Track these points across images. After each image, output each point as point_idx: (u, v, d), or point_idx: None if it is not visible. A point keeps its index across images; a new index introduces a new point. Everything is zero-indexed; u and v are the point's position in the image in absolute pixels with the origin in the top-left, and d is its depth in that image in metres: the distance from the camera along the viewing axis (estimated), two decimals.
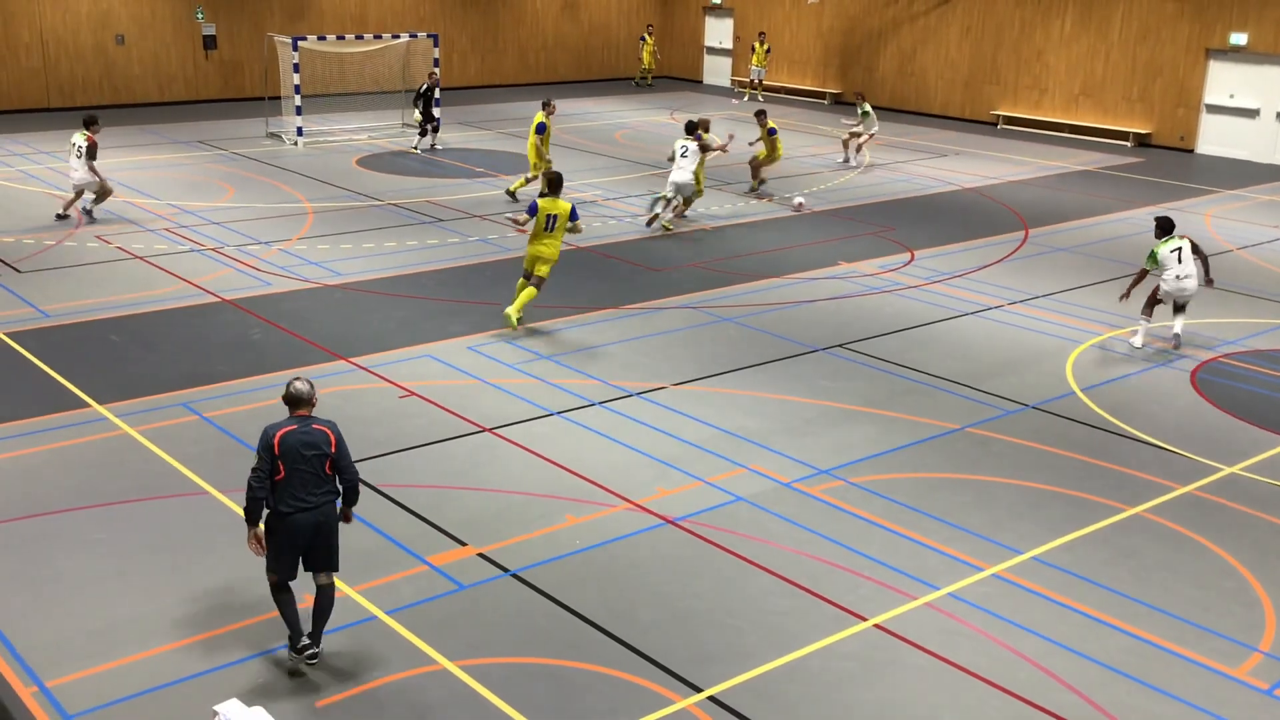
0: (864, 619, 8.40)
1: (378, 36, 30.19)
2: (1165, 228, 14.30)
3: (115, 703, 7.28)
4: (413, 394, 12.27)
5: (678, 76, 40.21)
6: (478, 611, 8.41)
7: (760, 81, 35.32)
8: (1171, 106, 28.59)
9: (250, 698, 7.30)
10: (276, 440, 7.44)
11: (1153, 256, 14.12)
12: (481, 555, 9.14)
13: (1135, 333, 14.42)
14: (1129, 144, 28.94)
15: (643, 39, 38.35)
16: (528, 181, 20.83)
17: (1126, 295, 14.54)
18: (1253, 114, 27.50)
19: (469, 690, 7.51)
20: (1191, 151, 28.26)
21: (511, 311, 14.14)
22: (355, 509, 8.14)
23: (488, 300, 15.36)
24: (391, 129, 28.22)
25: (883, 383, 13.00)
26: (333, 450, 7.51)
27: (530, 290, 14.32)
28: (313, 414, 7.70)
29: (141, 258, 16.97)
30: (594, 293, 15.91)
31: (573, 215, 14.51)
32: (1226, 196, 23.26)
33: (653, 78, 38.46)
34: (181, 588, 8.57)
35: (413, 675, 7.64)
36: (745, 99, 35.22)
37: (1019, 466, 10.98)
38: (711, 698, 7.50)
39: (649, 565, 9.09)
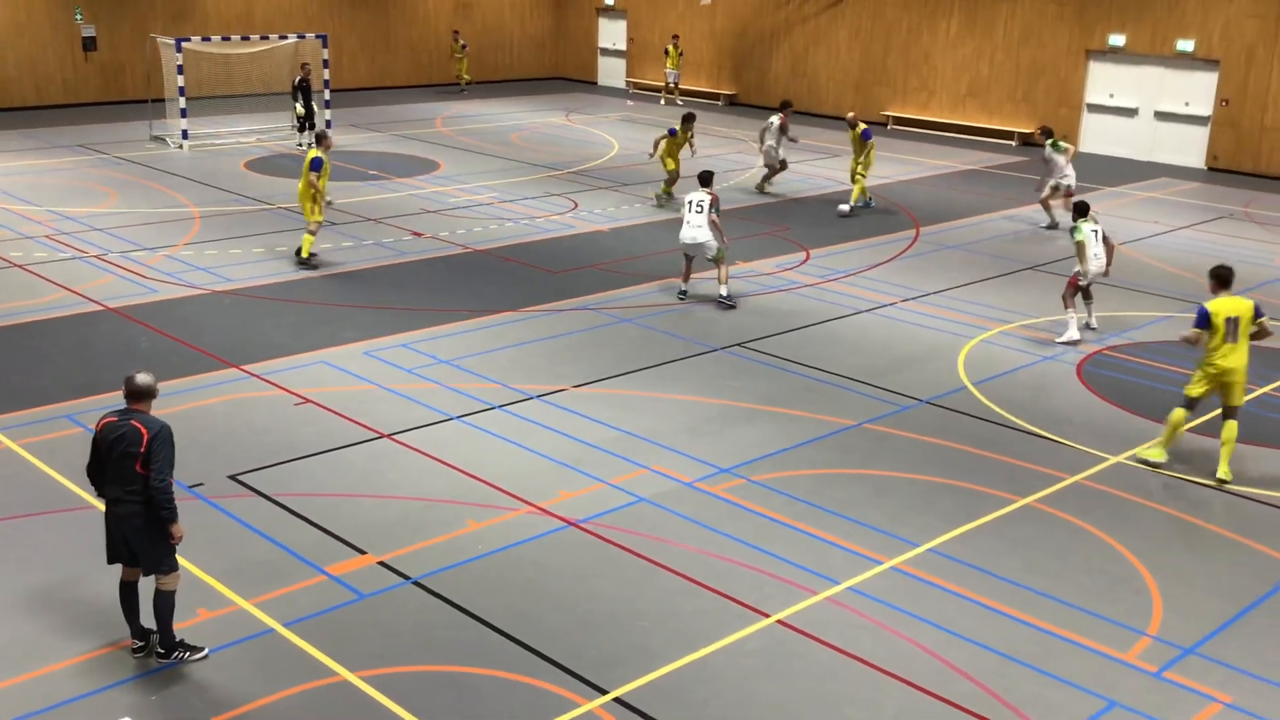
0: (767, 616, 8.45)
1: (264, 37, 29.62)
2: (1082, 210, 14.61)
3: None
4: (308, 401, 12.04)
5: (572, 78, 40.16)
6: (378, 621, 8.28)
7: (676, 84, 35.37)
8: (1054, 106, 29.37)
9: (143, 715, 7.09)
10: (97, 428, 7.47)
11: (1079, 230, 14.35)
12: (381, 563, 9.00)
13: (1066, 329, 14.58)
14: (1014, 143, 29.65)
15: (463, 45, 36.21)
16: (311, 232, 16.79)
17: (1069, 304, 14.56)
18: (1132, 113, 28.39)
19: (371, 701, 7.38)
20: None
21: (1157, 452, 11.30)
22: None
23: (382, 304, 15.15)
24: (280, 131, 27.70)
25: (781, 381, 13.12)
26: (142, 450, 7.30)
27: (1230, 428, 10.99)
28: (149, 412, 7.52)
29: (21, 265, 16.40)
30: (492, 296, 15.80)
31: (1256, 314, 10.99)
32: (1108, 194, 23.96)
33: (468, 84, 36.38)
34: (69, 605, 8.29)
35: (313, 688, 7.49)
36: (663, 102, 35.25)
37: (915, 461, 11.16)
38: (617, 699, 7.48)
39: (552, 569, 9.04)
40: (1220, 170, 26.99)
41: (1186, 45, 27.11)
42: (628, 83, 38.45)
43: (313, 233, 16.78)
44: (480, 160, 25.36)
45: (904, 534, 9.71)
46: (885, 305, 15.98)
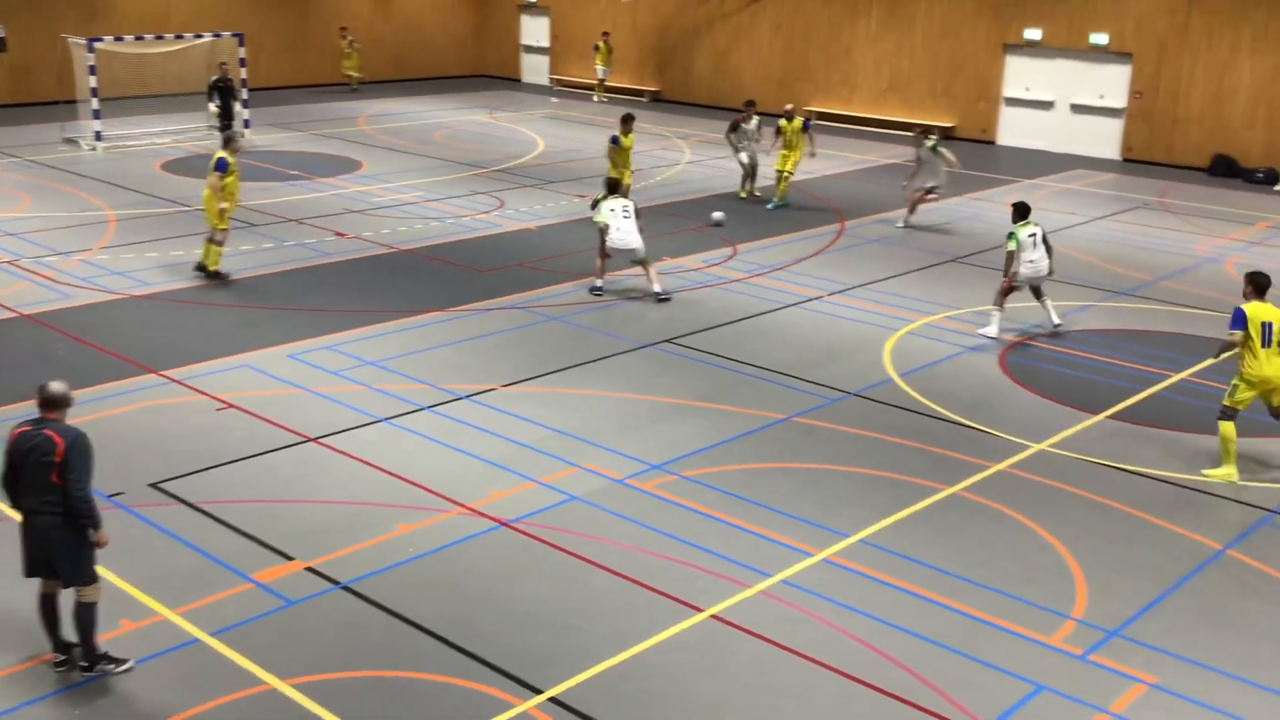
0: (701, 610, 8.47)
1: (179, 37, 29.06)
2: (1022, 212, 14.60)
3: None
4: (231, 406, 11.84)
5: (495, 75, 39.95)
6: (307, 627, 8.16)
7: (603, 82, 35.25)
8: (973, 100, 29.81)
9: None
10: (10, 438, 7.32)
11: (1013, 238, 14.32)
12: (310, 569, 8.87)
13: (989, 324, 14.65)
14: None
15: (351, 42, 35.13)
16: (216, 242, 15.76)
17: (999, 305, 14.60)
18: (1048, 106, 28.90)
19: (301, 709, 7.27)
20: (993, 143, 29.51)
21: (1228, 471, 11.00)
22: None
23: (306, 306, 14.94)
24: (197, 132, 27.20)
25: (710, 376, 13.16)
26: (57, 459, 7.14)
27: None
28: (63, 420, 7.35)
29: None
30: (419, 296, 15.65)
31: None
32: (1026, 186, 24.37)
33: (359, 84, 35.26)
34: None
35: (241, 697, 7.36)
36: (596, 100, 35.12)
37: (844, 453, 11.26)
38: (553, 699, 7.44)
39: (484, 569, 8.98)
40: (1135, 161, 27.57)
41: (1100, 39, 27.65)
42: (552, 80, 38.34)
43: (218, 242, 15.70)
44: (404, 159, 25.12)
45: (835, 525, 9.79)
46: (811, 299, 16.09)
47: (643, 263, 15.87)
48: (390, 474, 10.46)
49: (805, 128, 21.36)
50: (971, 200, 22.48)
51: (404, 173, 23.65)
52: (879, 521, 9.88)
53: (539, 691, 7.51)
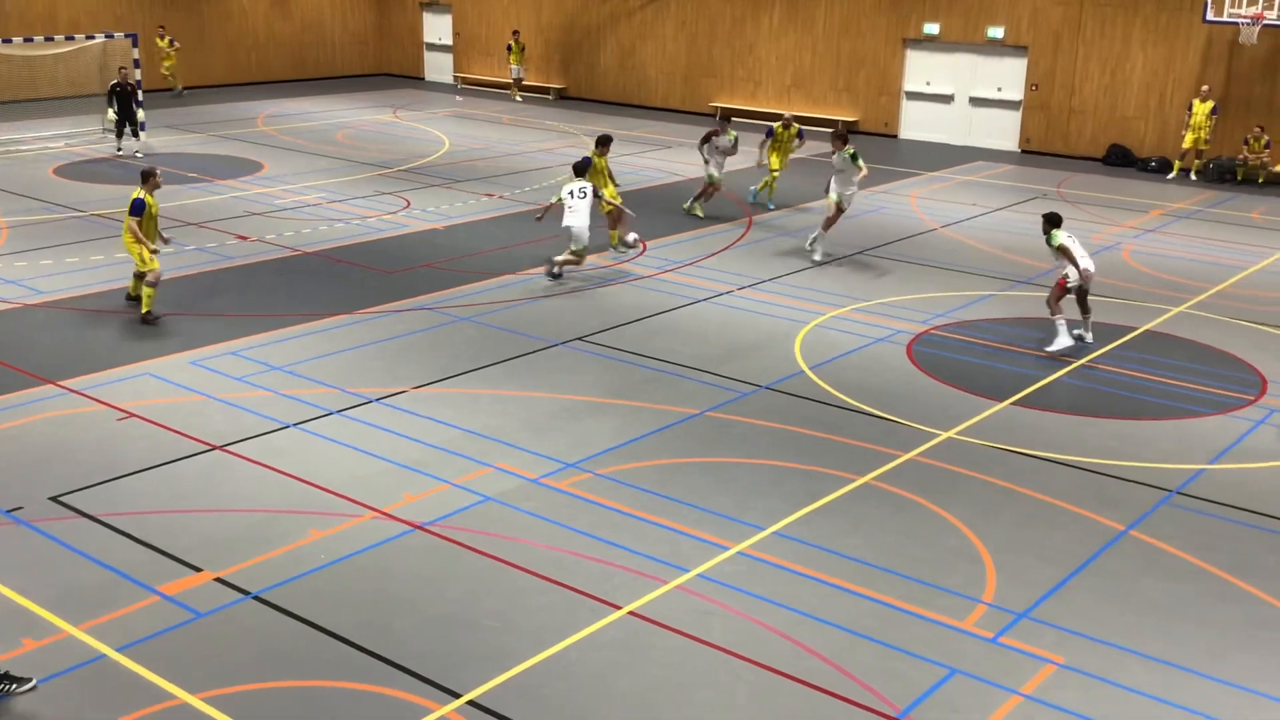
0: (618, 607, 8.47)
1: (70, 38, 28.26)
2: (1055, 221, 14.13)
3: None
4: (132, 415, 11.55)
5: (398, 74, 39.51)
6: (218, 639, 7.99)
7: (520, 80, 34.98)
8: (875, 95, 30.22)
9: None
10: None
11: (1053, 236, 14.02)
12: (219, 580, 8.69)
13: (1055, 336, 14.07)
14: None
15: (171, 42, 32.92)
16: (149, 283, 14.15)
17: (1056, 309, 14.11)
18: (948, 99, 29.41)
19: None
20: (895, 137, 29.95)
21: None
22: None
23: (208, 312, 14.62)
24: (91, 135, 26.49)
25: (623, 373, 13.16)
26: None
27: None
28: None
29: None
30: (325, 298, 15.42)
31: None
32: (928, 178, 24.78)
33: (183, 88, 33.39)
34: None
35: (150, 713, 7.18)
36: (517, 99, 34.77)
37: (757, 446, 11.34)
38: (472, 702, 7.38)
39: (400, 574, 8.87)
40: (1032, 152, 28.18)
41: (997, 32, 28.21)
42: (456, 78, 38.04)
43: (151, 283, 14.08)
44: (306, 160, 24.73)
45: (750, 519, 9.85)
46: (722, 294, 16.18)
47: (579, 254, 16.32)
48: (300, 480, 10.29)
49: (800, 136, 21.13)
50: (876, 194, 22.78)
51: (307, 174, 23.28)
52: (793, 513, 9.97)
53: (458, 695, 7.44)
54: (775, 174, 21.38)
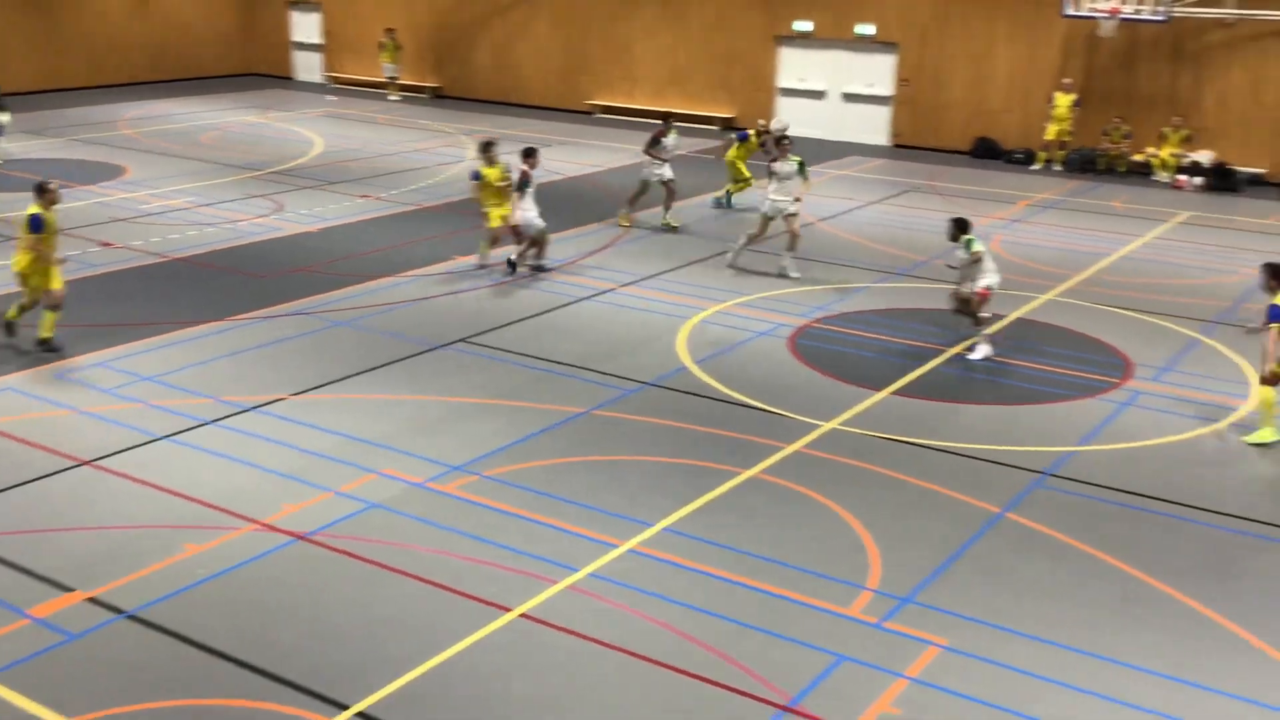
0: (509, 610, 8.40)
1: None
2: (965, 226, 13.97)
3: None
4: None
5: (266, 74, 38.61)
6: (94, 661, 7.71)
7: (394, 79, 34.34)
8: (750, 91, 30.54)
9: None
10: None
11: (973, 241, 13.78)
12: (91, 599, 8.38)
13: (979, 346, 13.92)
14: (717, 128, 30.63)
15: None
16: (51, 307, 13.13)
17: (981, 319, 13.91)
18: (820, 95, 29.88)
19: None
20: (770, 133, 30.26)
21: (1268, 433, 11.67)
22: None
23: (73, 322, 14.08)
24: None
25: (507, 374, 13.07)
26: None
27: None
28: None
29: None
30: (196, 305, 14.99)
31: None
32: None
33: None
34: None
35: None
36: (393, 98, 34.07)
37: (644, 443, 11.36)
38: (361, 714, 7.25)
39: (282, 586, 8.67)
40: (904, 146, 28.78)
41: (867, 29, 28.74)
42: (327, 77, 37.36)
43: (54, 307, 13.12)
44: (172, 163, 24.02)
45: (639, 515, 9.86)
46: (605, 291, 16.18)
47: (539, 241, 16.72)
48: (174, 494, 9.98)
49: (762, 146, 20.83)
50: (754, 190, 23.00)
51: (173, 177, 22.61)
52: (681, 509, 10.01)
53: (345, 707, 7.30)
54: (746, 182, 21.36)
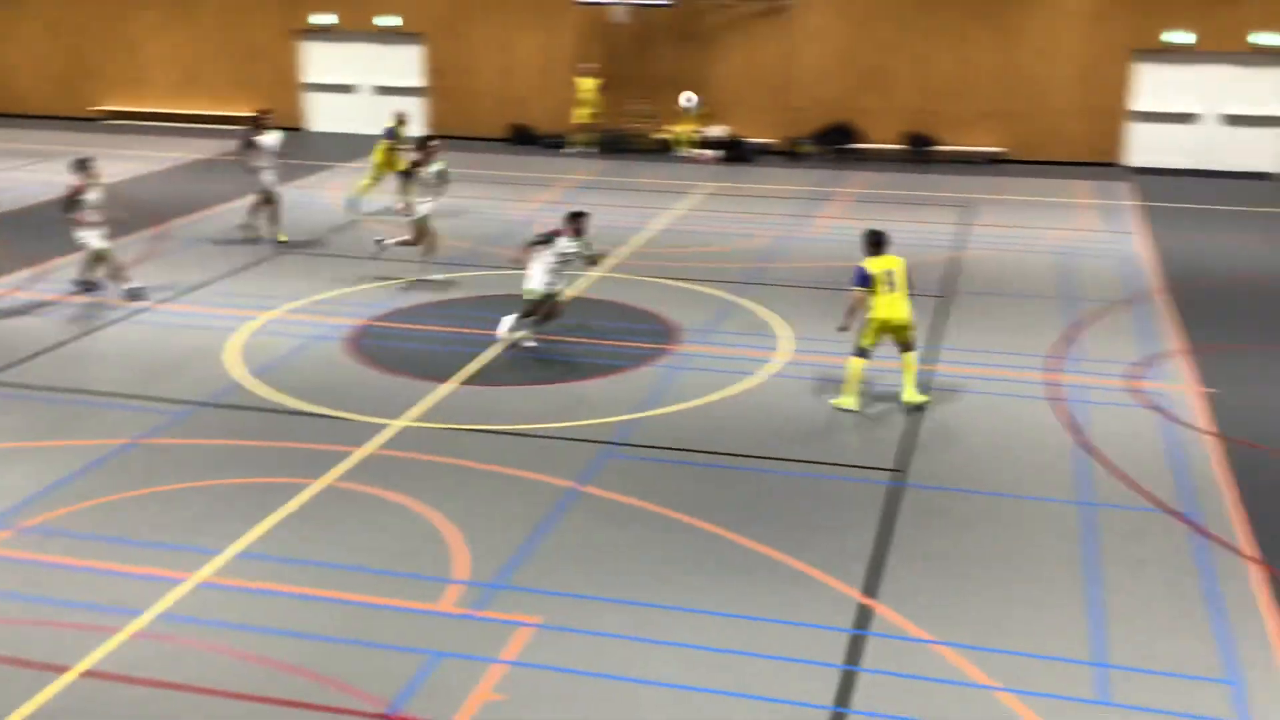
0: (68, 669, 7.59)
1: None
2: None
3: None
4: None
5: None
6: None
7: None
8: (277, 88, 29.45)
9: None
10: None
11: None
12: None
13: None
14: (244, 127, 29.22)
15: None
16: None
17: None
18: (351, 89, 29.43)
19: None
20: (299, 129, 29.31)
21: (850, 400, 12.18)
22: None
23: None
24: None
25: (36, 412, 11.83)
26: None
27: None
28: None
29: None
30: None
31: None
32: (346, 169, 24.54)
33: None
34: None
35: None
36: None
37: (202, 467, 10.66)
38: None
39: None
40: (442, 136, 28.59)
41: (390, 20, 28.57)
42: None
43: None
44: None
45: (204, 544, 9.24)
46: (141, 311, 15.02)
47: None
48: None
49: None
50: (294, 188, 22.20)
51: None
52: (252, 530, 9.49)
53: None
54: (377, 183, 20.63)
